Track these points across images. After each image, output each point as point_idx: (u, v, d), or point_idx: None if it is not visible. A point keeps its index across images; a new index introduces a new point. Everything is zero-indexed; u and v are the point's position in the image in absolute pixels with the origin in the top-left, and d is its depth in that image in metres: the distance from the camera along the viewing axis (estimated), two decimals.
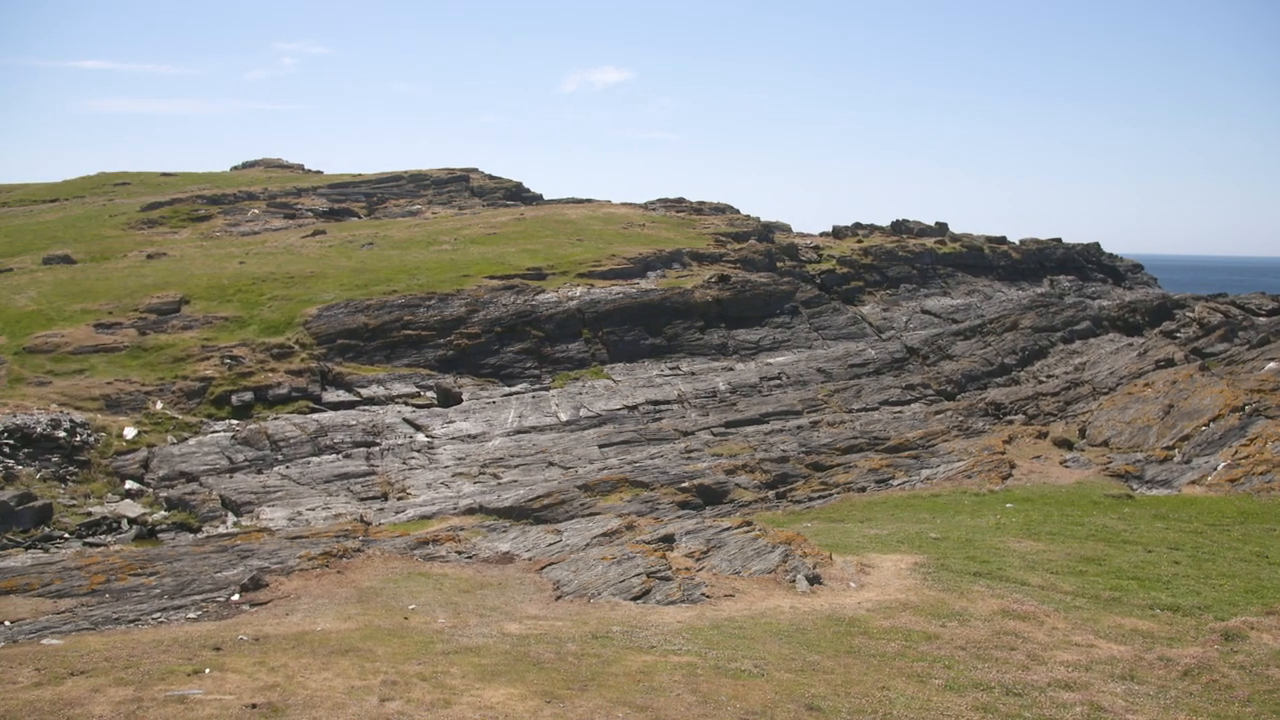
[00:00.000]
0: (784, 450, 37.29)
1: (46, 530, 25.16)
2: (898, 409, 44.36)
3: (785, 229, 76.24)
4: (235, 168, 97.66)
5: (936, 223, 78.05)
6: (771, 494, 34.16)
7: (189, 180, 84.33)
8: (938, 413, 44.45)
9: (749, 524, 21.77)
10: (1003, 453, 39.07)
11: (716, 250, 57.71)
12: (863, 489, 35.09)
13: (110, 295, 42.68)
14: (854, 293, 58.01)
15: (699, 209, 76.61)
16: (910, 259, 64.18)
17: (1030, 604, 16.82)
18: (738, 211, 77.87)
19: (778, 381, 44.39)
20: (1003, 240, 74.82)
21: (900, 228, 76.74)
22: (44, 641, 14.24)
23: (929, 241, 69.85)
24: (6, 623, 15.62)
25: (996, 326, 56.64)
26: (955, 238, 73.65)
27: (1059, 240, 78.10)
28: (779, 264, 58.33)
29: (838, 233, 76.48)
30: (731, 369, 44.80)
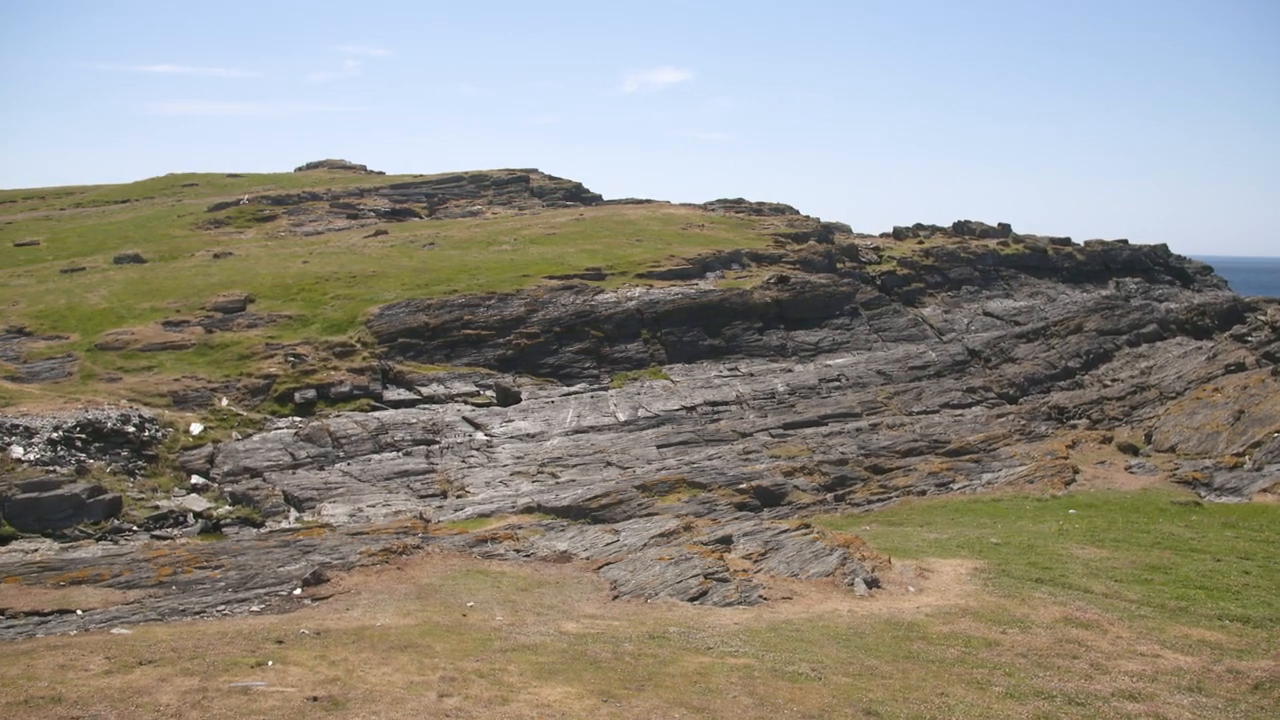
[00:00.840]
0: (843, 453, 37.02)
1: (116, 522, 25.79)
2: (958, 412, 43.83)
3: (845, 230, 75.63)
4: (299, 169, 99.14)
5: (999, 224, 76.83)
6: (830, 496, 33.95)
7: (254, 181, 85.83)
8: (999, 416, 43.84)
9: (807, 526, 21.67)
10: (1066, 457, 38.44)
11: (776, 251, 57.40)
12: (922, 492, 34.73)
13: (178, 294, 43.58)
14: (914, 294, 57.34)
15: (758, 210, 76.26)
16: (972, 260, 63.30)
17: (1094, 612, 16.53)
18: (797, 212, 77.39)
19: (837, 383, 44.07)
20: (1067, 242, 73.46)
21: (962, 229, 75.69)
22: (114, 631, 14.59)
23: (991, 243, 68.84)
24: (79, 611, 16.04)
25: (1060, 329, 55.73)
26: (1018, 239, 72.49)
27: (1125, 242, 76.48)
28: (839, 265, 57.87)
29: (898, 234, 75.68)
30: (790, 370, 44.55)
